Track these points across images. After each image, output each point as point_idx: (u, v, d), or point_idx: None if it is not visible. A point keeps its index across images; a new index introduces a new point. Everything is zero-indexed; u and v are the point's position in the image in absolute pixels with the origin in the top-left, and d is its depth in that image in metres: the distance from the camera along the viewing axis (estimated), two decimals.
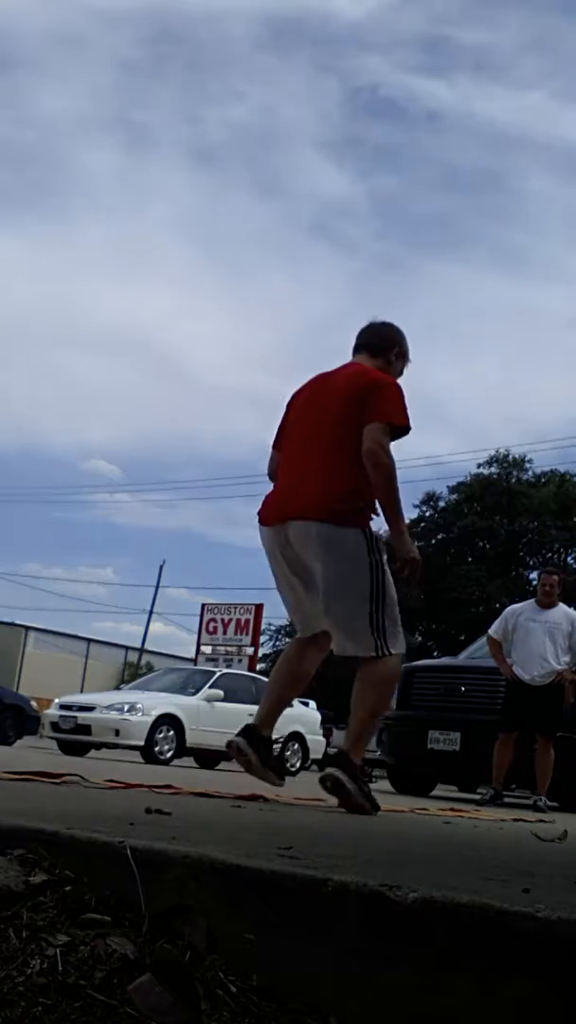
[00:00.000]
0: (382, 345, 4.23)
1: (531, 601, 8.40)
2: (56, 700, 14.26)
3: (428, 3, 67.65)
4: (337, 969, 1.33)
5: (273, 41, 71.84)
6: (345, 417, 3.92)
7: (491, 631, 8.49)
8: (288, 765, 14.85)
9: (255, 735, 4.18)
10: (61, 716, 13.50)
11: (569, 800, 8.50)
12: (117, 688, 21.07)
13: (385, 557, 3.97)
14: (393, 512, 3.98)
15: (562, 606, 8.26)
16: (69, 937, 1.45)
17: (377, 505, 3.99)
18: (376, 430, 3.87)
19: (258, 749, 4.14)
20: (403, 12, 68.48)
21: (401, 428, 3.98)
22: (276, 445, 4.26)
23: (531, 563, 43.87)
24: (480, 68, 70.62)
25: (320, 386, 4.14)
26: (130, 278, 77.68)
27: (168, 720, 13.16)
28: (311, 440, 4.01)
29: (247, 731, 4.20)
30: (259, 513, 4.15)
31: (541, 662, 7.94)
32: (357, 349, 4.25)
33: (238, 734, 4.20)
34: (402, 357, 4.27)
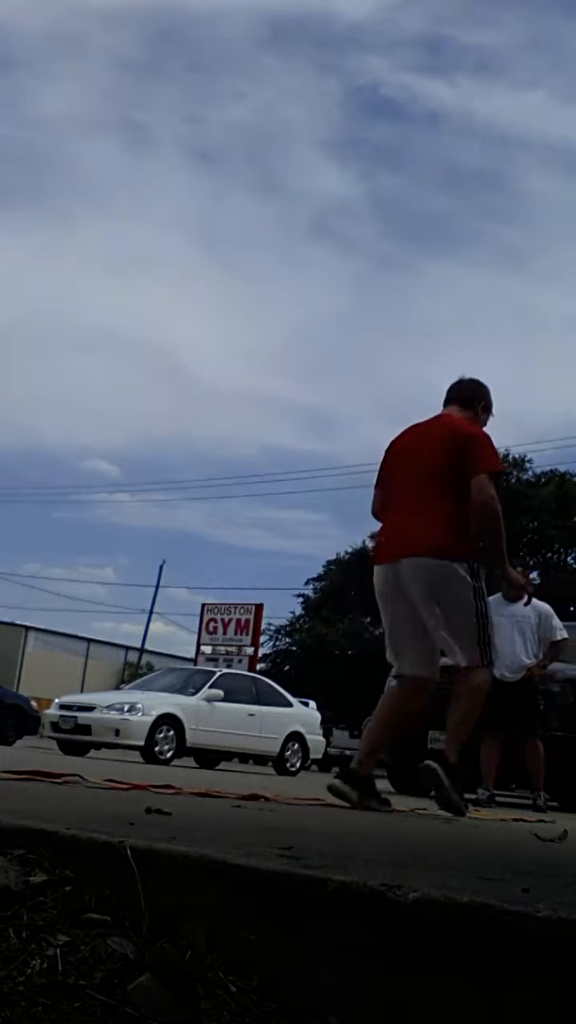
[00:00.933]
0: (471, 399, 4.76)
1: (498, 595, 8.05)
2: (56, 700, 14.24)
3: (429, 3, 67.84)
4: (337, 969, 1.33)
5: (273, 41, 72.02)
6: (444, 464, 4.47)
7: None
8: (288, 765, 14.85)
9: (354, 777, 4.46)
10: (61, 716, 13.49)
11: (569, 800, 8.48)
12: (117, 688, 21.04)
13: (483, 583, 4.52)
14: (498, 553, 4.60)
15: None
16: (69, 937, 1.45)
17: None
18: (484, 481, 4.41)
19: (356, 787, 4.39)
20: (404, 12, 68.62)
21: (499, 473, 4.64)
22: (378, 485, 4.80)
23: (531, 563, 43.85)
24: (481, 68, 70.70)
25: (418, 436, 4.68)
26: (130, 278, 77.67)
27: (168, 720, 13.14)
28: (414, 486, 4.54)
29: (346, 775, 4.51)
30: (372, 553, 4.80)
31: (512, 657, 7.83)
32: (448, 401, 4.78)
33: (339, 776, 4.55)
34: (487, 410, 4.81)
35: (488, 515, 4.39)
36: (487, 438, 4.57)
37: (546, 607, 8.11)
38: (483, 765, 7.86)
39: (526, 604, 7.90)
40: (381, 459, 4.80)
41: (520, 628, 7.95)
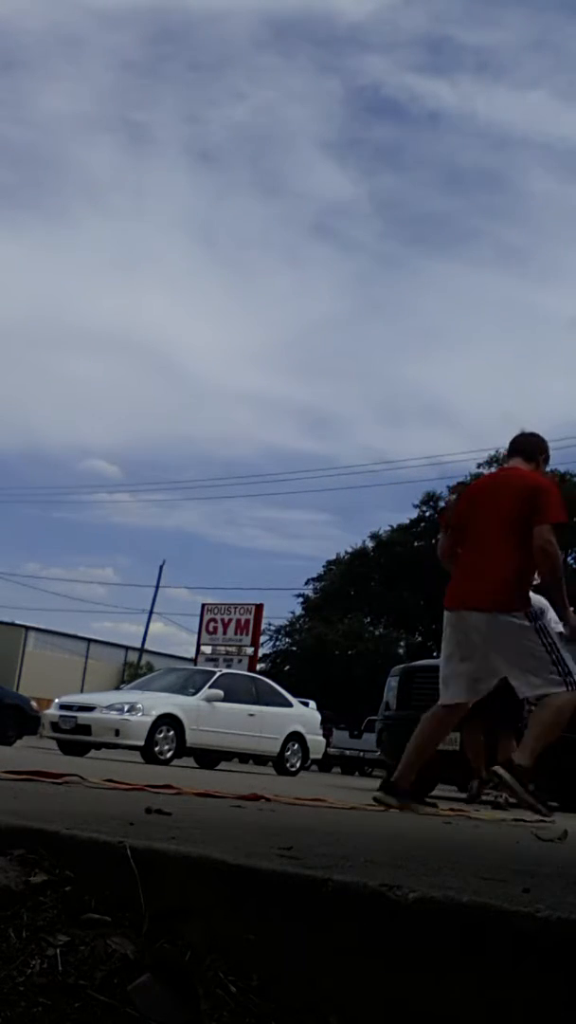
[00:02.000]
0: (533, 452, 5.17)
1: None
2: (56, 700, 14.23)
3: (430, 3, 67.77)
4: (337, 969, 1.33)
5: (275, 41, 71.99)
6: (512, 518, 4.83)
7: None
8: (288, 765, 14.85)
9: (392, 789, 4.95)
10: (61, 716, 13.48)
11: (569, 800, 8.46)
12: (117, 688, 21.03)
13: (545, 619, 4.90)
14: (559, 595, 4.97)
15: None
16: (69, 937, 1.45)
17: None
18: (545, 531, 4.78)
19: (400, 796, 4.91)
20: (405, 12, 68.52)
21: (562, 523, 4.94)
22: (444, 527, 5.22)
23: None
24: (482, 68, 70.74)
25: (489, 488, 5.15)
26: (130, 278, 77.73)
27: (168, 720, 13.13)
28: (485, 538, 4.92)
29: (387, 785, 5.01)
30: (444, 600, 5.09)
31: None
32: (512, 454, 5.20)
33: (380, 788, 5.05)
34: (546, 461, 5.27)
35: (544, 561, 4.78)
36: (553, 491, 4.95)
37: (540, 600, 8.02)
38: (470, 756, 7.78)
39: None
40: (451, 504, 5.22)
41: None
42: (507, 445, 5.28)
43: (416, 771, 5.07)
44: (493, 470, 44.11)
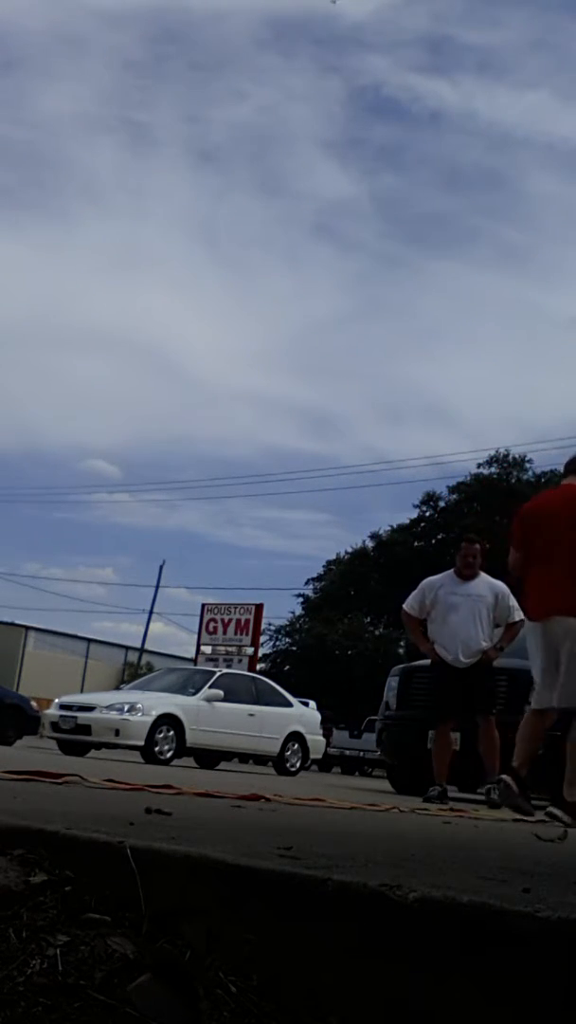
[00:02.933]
0: None
1: (449, 572, 7.66)
2: (56, 700, 14.23)
3: (431, 3, 67.66)
4: (337, 969, 1.33)
5: (276, 41, 72.00)
6: (572, 531, 5.40)
7: (406, 605, 7.73)
8: (288, 765, 14.85)
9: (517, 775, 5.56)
10: (61, 716, 13.48)
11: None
12: (117, 688, 21.03)
13: None
14: None
15: (484, 576, 7.55)
16: (69, 937, 1.45)
17: None
18: None
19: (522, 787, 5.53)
20: (406, 12, 68.32)
21: None
22: (515, 546, 5.74)
23: None
24: (483, 68, 70.76)
25: (548, 505, 5.79)
26: (130, 278, 77.75)
27: (168, 720, 13.13)
28: (550, 551, 5.48)
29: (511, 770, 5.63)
30: (525, 610, 5.86)
31: (467, 641, 7.37)
32: (568, 473, 5.80)
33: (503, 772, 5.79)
34: None
35: None
36: None
37: (502, 586, 7.46)
38: (436, 759, 7.42)
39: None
40: (515, 523, 5.78)
41: (475, 609, 7.40)
42: (563, 465, 5.83)
43: (527, 768, 5.58)
44: (493, 470, 44.53)
